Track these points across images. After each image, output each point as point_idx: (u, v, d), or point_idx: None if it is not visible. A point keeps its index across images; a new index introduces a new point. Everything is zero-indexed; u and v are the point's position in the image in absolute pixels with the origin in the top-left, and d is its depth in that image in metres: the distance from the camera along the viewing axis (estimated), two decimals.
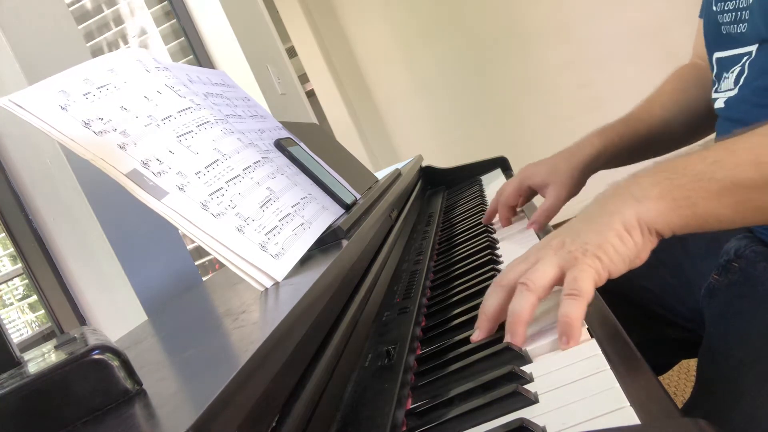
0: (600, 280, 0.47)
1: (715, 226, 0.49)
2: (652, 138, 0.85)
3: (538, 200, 0.93)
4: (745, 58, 0.65)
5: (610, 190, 0.50)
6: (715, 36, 0.70)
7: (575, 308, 0.44)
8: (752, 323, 0.58)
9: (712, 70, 0.71)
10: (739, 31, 0.66)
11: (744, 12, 0.64)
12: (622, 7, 3.04)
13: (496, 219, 0.88)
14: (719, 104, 0.69)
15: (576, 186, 0.81)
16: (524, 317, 0.46)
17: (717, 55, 0.70)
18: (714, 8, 0.69)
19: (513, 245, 0.76)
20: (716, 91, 0.70)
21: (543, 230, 0.77)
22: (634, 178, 0.50)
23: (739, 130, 0.50)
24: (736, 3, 0.65)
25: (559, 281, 0.47)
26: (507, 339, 0.46)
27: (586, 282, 0.45)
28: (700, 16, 0.81)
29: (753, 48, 0.64)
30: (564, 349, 0.43)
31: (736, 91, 0.66)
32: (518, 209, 0.87)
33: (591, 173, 0.83)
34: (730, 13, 0.66)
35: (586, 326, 0.45)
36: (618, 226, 0.47)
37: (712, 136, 0.78)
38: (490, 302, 0.49)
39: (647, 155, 0.88)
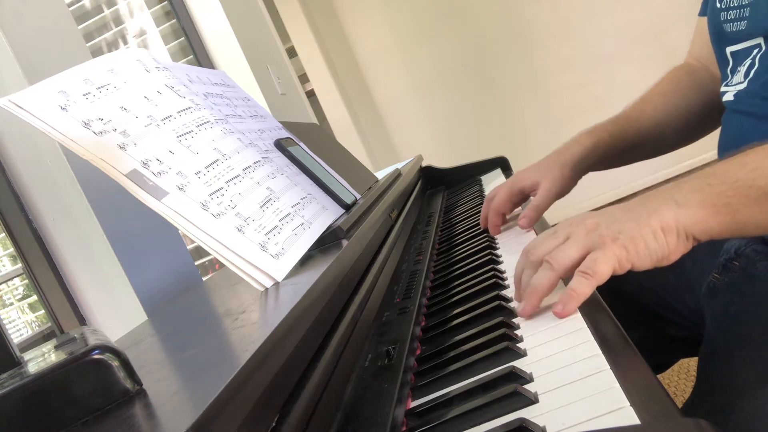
0: (620, 269, 0.48)
1: (753, 232, 0.50)
2: (643, 139, 0.85)
3: None
4: (756, 51, 0.65)
5: (653, 191, 0.51)
6: (719, 33, 0.70)
7: (584, 286, 0.47)
8: (753, 322, 0.58)
9: (726, 64, 0.71)
10: (740, 28, 0.66)
11: (745, 9, 0.65)
12: (622, 7, 3.04)
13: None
14: (728, 97, 0.69)
15: (566, 182, 0.81)
16: (542, 291, 0.50)
17: (730, 48, 0.70)
18: (718, 5, 0.69)
19: (513, 246, 0.76)
20: (727, 85, 0.70)
21: (532, 226, 0.78)
22: (676, 184, 0.50)
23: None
24: (739, 0, 0.66)
25: (583, 260, 0.49)
26: (520, 308, 0.50)
27: (605, 266, 0.47)
28: (701, 14, 0.81)
29: (761, 40, 0.64)
30: (555, 314, 0.47)
31: (745, 84, 0.66)
32: (508, 216, 0.87)
33: (582, 172, 0.83)
34: (734, 11, 0.66)
35: (588, 328, 0.45)
36: (655, 224, 0.48)
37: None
38: (524, 278, 0.53)
39: (638, 157, 0.88)
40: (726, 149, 0.71)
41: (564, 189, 0.81)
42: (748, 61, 0.66)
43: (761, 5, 0.62)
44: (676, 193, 0.49)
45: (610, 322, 0.46)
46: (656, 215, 0.48)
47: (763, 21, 0.62)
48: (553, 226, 0.57)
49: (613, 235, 0.48)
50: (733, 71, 0.70)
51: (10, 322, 1.17)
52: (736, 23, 0.67)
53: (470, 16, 3.24)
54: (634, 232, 0.48)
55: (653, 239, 0.48)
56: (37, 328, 1.12)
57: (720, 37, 0.71)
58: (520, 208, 0.88)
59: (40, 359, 0.37)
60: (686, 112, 0.84)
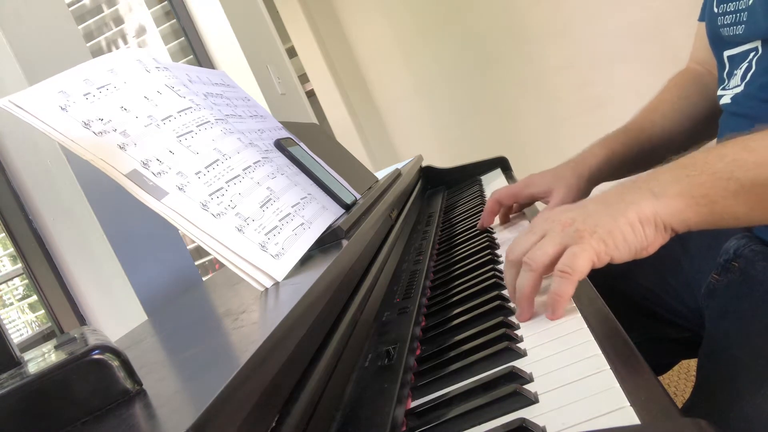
0: (599, 262, 0.47)
1: (732, 224, 0.50)
2: (654, 147, 0.85)
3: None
4: (752, 54, 0.65)
5: (628, 182, 0.51)
6: (717, 37, 0.71)
7: (565, 287, 0.47)
8: (752, 323, 0.58)
9: (723, 68, 0.71)
10: (737, 32, 0.66)
11: (743, 14, 0.65)
12: (622, 7, 3.04)
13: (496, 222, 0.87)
14: (726, 100, 0.69)
15: (580, 194, 0.81)
16: (527, 294, 0.50)
17: (728, 53, 0.70)
18: (715, 10, 0.69)
19: None
20: (724, 88, 0.71)
21: None
22: (653, 174, 0.50)
23: (758, 127, 0.50)
24: (736, 5, 0.66)
25: (561, 257, 0.49)
26: (517, 314, 0.51)
27: (583, 261, 0.47)
28: (700, 20, 0.81)
29: (758, 44, 0.64)
30: (552, 319, 0.48)
31: (742, 87, 0.66)
32: (512, 216, 0.87)
33: (596, 184, 0.83)
34: (730, 15, 0.67)
35: (588, 328, 0.45)
36: (632, 216, 0.47)
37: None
38: (508, 280, 0.53)
39: (648, 165, 0.88)
40: None
41: (577, 199, 0.81)
42: (744, 65, 0.66)
43: (757, 10, 0.62)
44: (654, 184, 0.49)
45: (609, 322, 0.46)
46: (633, 206, 0.48)
47: (760, 25, 0.62)
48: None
49: (591, 229, 0.48)
50: (730, 75, 0.70)
51: (10, 322, 1.17)
52: (733, 27, 0.67)
53: (470, 16, 3.24)
54: (611, 225, 0.47)
55: (631, 231, 0.47)
56: (37, 328, 1.12)
57: (718, 42, 0.71)
58: (523, 212, 0.88)
59: (40, 359, 0.37)
60: (693, 118, 0.84)
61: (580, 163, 0.82)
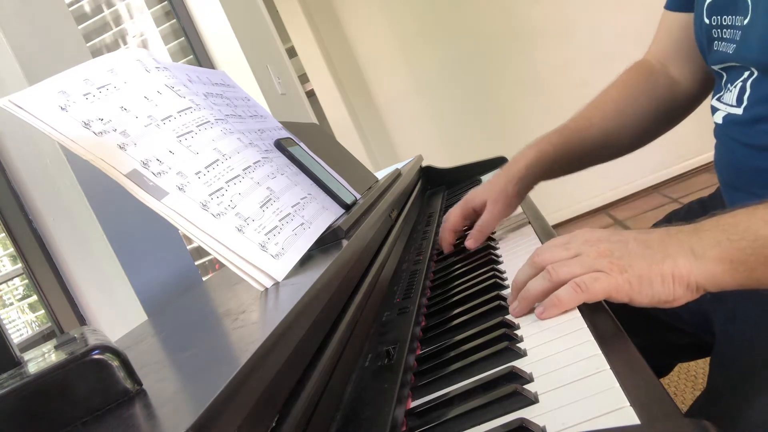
0: (616, 298, 0.47)
1: (766, 286, 0.48)
2: (589, 148, 0.84)
3: (560, 199, 0.92)
4: (747, 74, 0.63)
5: (674, 230, 0.50)
6: (709, 47, 0.68)
7: (571, 298, 0.47)
8: (759, 327, 0.58)
9: (720, 77, 0.69)
10: (727, 51, 0.64)
11: (737, 32, 0.63)
12: (622, 7, 3.04)
13: (501, 223, 0.87)
14: (717, 118, 0.68)
15: (510, 199, 0.80)
16: (533, 296, 0.51)
17: (717, 66, 0.68)
18: (706, 21, 0.67)
19: (513, 246, 0.76)
20: (718, 100, 0.69)
21: (477, 246, 0.78)
22: (696, 231, 0.49)
23: None
24: (732, 20, 0.63)
25: None
26: (512, 307, 0.52)
27: (601, 289, 0.47)
28: (668, 8, 0.80)
29: (752, 67, 0.62)
30: (539, 317, 0.49)
31: (740, 111, 0.64)
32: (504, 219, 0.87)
33: (528, 185, 0.82)
34: (727, 30, 0.64)
35: (588, 328, 0.45)
36: (667, 269, 0.47)
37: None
38: (520, 277, 0.54)
39: (588, 164, 0.87)
40: (721, 167, 0.70)
41: (509, 205, 0.80)
42: (738, 84, 0.64)
43: (753, 35, 0.60)
44: (695, 243, 0.48)
45: (609, 322, 0.46)
46: (671, 261, 0.47)
47: (752, 53, 0.60)
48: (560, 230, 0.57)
49: (623, 266, 0.47)
50: (726, 86, 0.67)
51: (10, 322, 1.17)
52: (724, 43, 0.65)
53: (470, 16, 3.24)
54: (644, 270, 0.47)
55: (660, 283, 0.47)
56: (37, 328, 1.12)
57: (707, 52, 0.69)
58: (524, 213, 0.88)
59: (40, 359, 0.37)
60: (638, 119, 0.83)
61: (511, 166, 0.82)
